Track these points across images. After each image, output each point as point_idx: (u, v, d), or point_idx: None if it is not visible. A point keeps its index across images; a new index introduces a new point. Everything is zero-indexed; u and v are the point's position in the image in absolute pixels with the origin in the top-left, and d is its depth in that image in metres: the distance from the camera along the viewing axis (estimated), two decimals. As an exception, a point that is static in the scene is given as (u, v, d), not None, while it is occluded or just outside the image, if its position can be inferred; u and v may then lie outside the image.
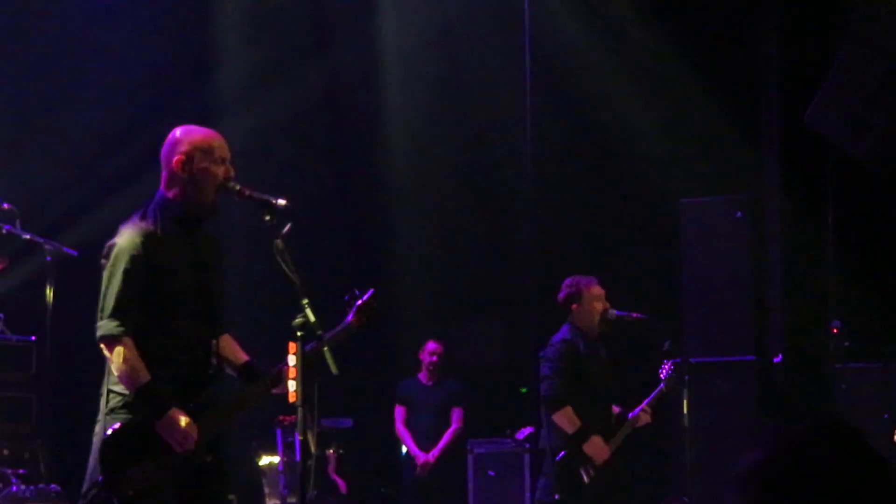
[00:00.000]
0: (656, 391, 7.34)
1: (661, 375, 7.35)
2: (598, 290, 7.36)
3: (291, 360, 4.48)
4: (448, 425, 9.77)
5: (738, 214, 8.97)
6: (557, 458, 7.09)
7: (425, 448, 9.68)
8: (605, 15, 10.19)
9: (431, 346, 9.96)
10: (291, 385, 4.48)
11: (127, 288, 4.53)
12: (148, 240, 4.60)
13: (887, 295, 9.05)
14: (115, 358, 4.49)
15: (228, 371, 4.86)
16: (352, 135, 10.97)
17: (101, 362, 4.62)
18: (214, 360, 4.74)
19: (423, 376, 9.98)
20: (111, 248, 4.62)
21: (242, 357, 4.91)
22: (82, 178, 9.39)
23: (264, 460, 8.89)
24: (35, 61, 9.43)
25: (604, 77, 10.18)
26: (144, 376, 4.49)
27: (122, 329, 4.50)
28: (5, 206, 7.31)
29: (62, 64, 9.49)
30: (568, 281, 7.42)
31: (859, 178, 8.79)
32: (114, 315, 4.52)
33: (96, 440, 4.57)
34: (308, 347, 4.45)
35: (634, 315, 7.37)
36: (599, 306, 7.32)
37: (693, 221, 9.13)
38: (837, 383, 8.73)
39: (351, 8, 10.50)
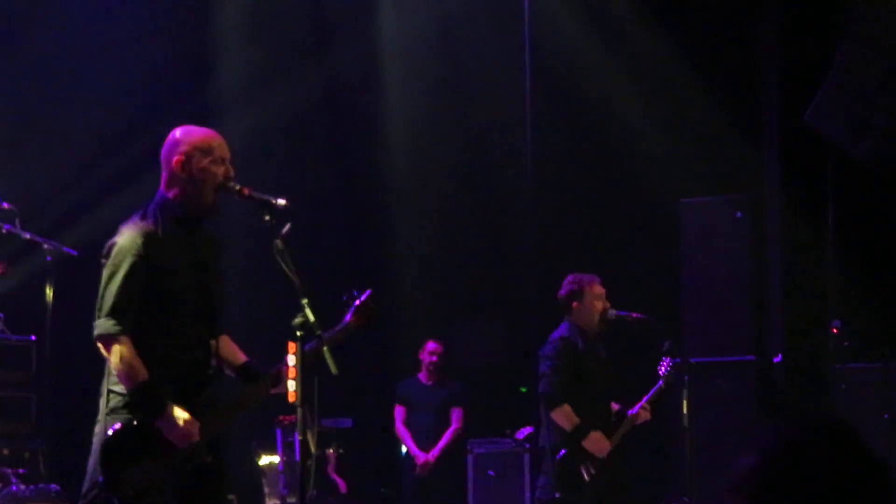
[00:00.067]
0: (655, 388, 7.34)
1: (660, 372, 7.34)
2: (599, 289, 7.35)
3: (291, 359, 4.48)
4: (448, 425, 9.77)
5: (738, 214, 8.97)
6: (558, 457, 7.09)
7: (425, 448, 9.68)
8: (605, 15, 10.19)
9: (431, 346, 9.96)
10: (291, 385, 4.48)
11: (126, 287, 4.53)
12: (148, 239, 4.61)
13: (887, 295, 9.04)
14: (113, 357, 4.50)
15: (227, 371, 4.87)
16: (352, 135, 10.97)
17: (101, 362, 4.62)
18: (214, 361, 4.75)
19: (423, 376, 9.98)
20: (111, 247, 4.63)
21: (241, 357, 4.91)
22: (82, 178, 9.39)
23: (264, 460, 8.89)
24: (35, 61, 9.43)
25: (604, 77, 10.17)
26: (143, 374, 4.49)
27: (119, 328, 4.50)
28: (5, 205, 7.31)
29: (62, 64, 9.49)
30: (570, 278, 7.40)
31: (859, 178, 8.77)
32: (111, 314, 4.52)
33: (97, 440, 4.57)
34: (307, 347, 4.45)
35: (634, 315, 7.37)
36: (600, 305, 7.32)
37: (693, 221, 9.12)
38: (837, 383, 8.72)
39: (351, 8, 10.51)
